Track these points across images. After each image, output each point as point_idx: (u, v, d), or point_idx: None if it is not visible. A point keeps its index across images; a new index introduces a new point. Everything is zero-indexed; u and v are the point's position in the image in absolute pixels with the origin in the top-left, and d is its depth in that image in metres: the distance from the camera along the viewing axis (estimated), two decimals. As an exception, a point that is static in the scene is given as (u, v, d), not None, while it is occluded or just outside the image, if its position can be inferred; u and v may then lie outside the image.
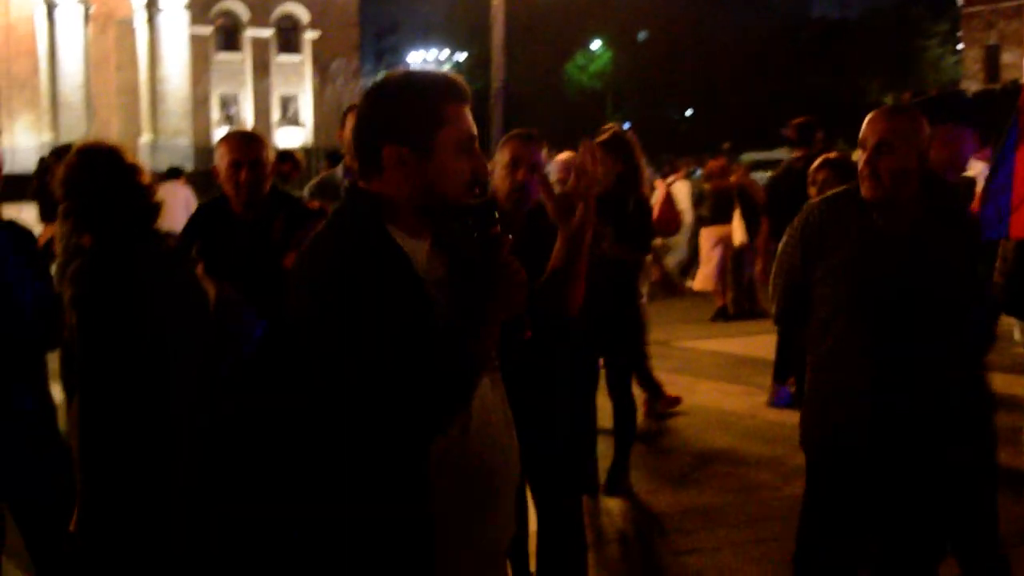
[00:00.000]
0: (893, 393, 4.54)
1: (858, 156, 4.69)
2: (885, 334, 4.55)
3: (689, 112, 65.87)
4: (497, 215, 2.89)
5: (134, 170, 4.37)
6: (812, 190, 7.01)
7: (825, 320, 4.67)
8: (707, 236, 16.37)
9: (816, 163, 7.27)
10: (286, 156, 12.66)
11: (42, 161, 11.84)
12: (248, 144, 5.48)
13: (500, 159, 5.62)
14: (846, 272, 4.62)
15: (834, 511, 4.75)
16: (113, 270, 4.22)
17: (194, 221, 5.63)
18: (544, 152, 5.62)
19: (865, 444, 4.61)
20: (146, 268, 4.28)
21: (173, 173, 17.89)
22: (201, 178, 21.03)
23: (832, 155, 7.49)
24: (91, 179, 4.27)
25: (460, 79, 3.05)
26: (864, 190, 4.60)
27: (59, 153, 10.69)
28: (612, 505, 7.60)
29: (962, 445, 4.63)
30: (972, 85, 66.34)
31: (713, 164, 16.94)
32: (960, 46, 72.96)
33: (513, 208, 5.55)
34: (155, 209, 4.40)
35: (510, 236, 2.89)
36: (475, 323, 2.87)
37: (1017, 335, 7.36)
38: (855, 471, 4.67)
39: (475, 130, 2.98)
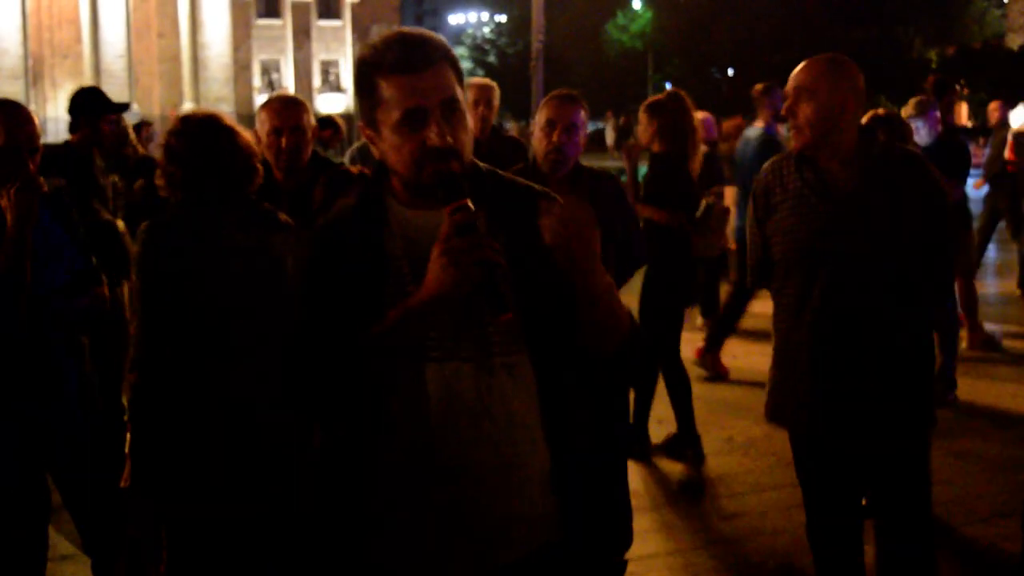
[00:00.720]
0: (831, 350, 4.43)
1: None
2: (822, 292, 4.42)
3: (731, 72, 65.39)
4: (464, 188, 2.65)
5: (230, 134, 4.35)
6: None
7: (777, 280, 4.60)
8: (728, 195, 16.27)
9: (865, 119, 7.08)
10: (327, 122, 12.63)
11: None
12: (288, 110, 5.47)
13: (538, 120, 5.60)
14: (783, 231, 4.52)
15: (819, 472, 4.69)
16: (178, 233, 4.24)
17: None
18: (583, 113, 5.57)
19: (815, 412, 4.53)
20: (219, 233, 4.26)
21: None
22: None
23: (881, 111, 7.36)
24: (186, 145, 4.31)
25: (412, 37, 2.77)
26: (792, 142, 4.52)
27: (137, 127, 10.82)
28: (664, 469, 7.59)
29: (898, 409, 4.49)
30: (1017, 39, 65.57)
31: (728, 125, 16.72)
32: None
33: (550, 170, 5.52)
34: (247, 173, 4.38)
35: (473, 212, 2.62)
36: (401, 305, 2.69)
37: None
38: (819, 437, 4.61)
39: (423, 101, 2.69)
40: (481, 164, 2.91)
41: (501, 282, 2.60)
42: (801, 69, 4.47)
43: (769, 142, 9.82)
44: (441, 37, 2.80)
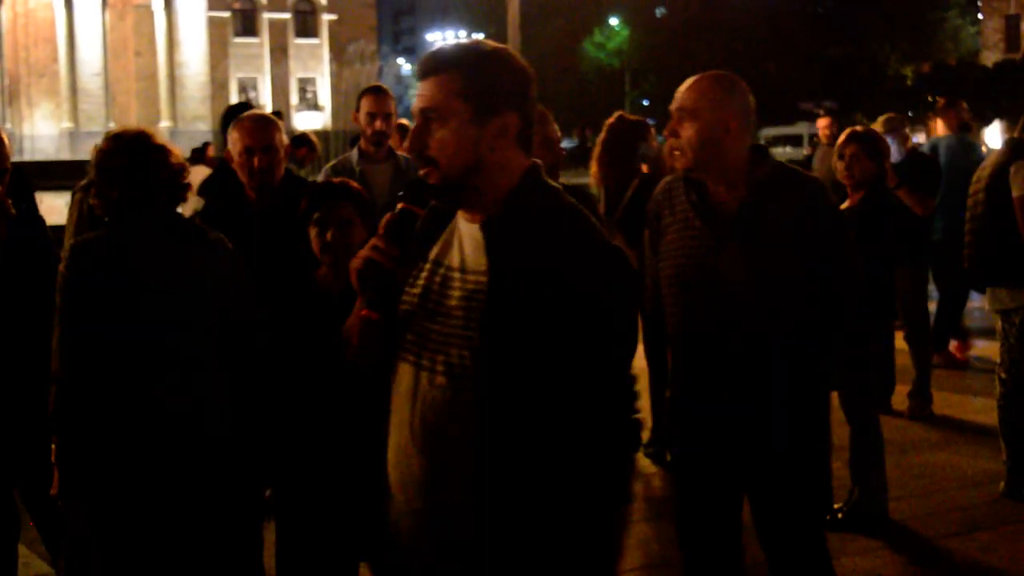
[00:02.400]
0: (707, 379, 4.32)
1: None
2: (701, 320, 4.29)
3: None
4: (413, 196, 2.85)
5: (159, 151, 4.36)
6: (839, 164, 6.92)
7: (666, 305, 4.46)
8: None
9: (843, 136, 7.11)
10: (302, 140, 12.60)
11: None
12: (260, 129, 5.45)
13: None
14: (669, 254, 4.39)
15: (694, 483, 4.50)
16: (104, 251, 4.27)
17: (209, 208, 5.62)
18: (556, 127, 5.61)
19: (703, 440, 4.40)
20: (146, 250, 4.30)
21: (198, 154, 17.93)
22: (224, 162, 21.06)
23: (859, 127, 7.37)
24: (114, 162, 4.32)
25: (431, 52, 2.90)
26: (678, 162, 4.35)
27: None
28: (641, 483, 7.57)
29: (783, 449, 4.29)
30: (991, 56, 65.99)
31: None
32: (980, 16, 72.47)
33: None
34: (176, 189, 4.40)
35: (401, 217, 2.83)
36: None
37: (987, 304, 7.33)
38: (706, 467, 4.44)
39: (414, 107, 2.85)
40: (542, 187, 2.90)
41: (376, 283, 2.82)
42: (685, 88, 4.30)
43: (967, 146, 10.57)
44: (471, 48, 2.89)
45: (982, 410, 8.72)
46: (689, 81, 4.32)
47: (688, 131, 4.22)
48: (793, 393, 4.27)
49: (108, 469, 4.26)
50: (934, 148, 11.11)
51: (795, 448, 4.31)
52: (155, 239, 4.32)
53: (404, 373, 2.90)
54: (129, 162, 4.29)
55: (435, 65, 2.83)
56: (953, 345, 11.14)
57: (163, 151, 4.36)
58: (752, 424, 4.27)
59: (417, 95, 2.85)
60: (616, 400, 2.81)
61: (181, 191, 4.42)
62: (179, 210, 4.53)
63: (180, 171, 4.40)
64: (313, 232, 4.53)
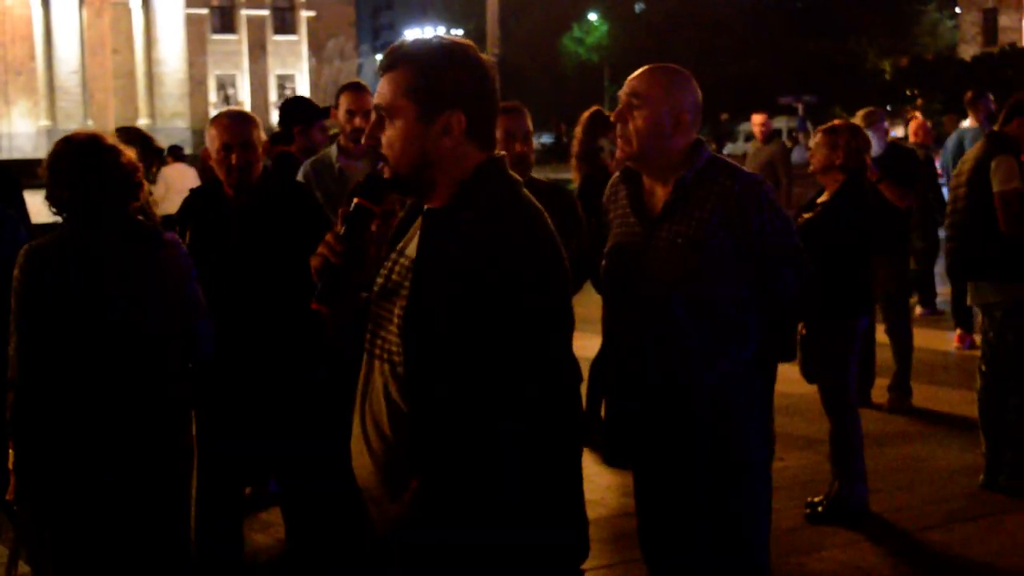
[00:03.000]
0: (630, 382, 4.27)
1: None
2: (625, 316, 4.23)
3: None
4: (368, 191, 2.91)
5: (110, 152, 4.41)
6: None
7: (606, 302, 4.40)
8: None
9: (823, 128, 7.13)
10: (280, 137, 12.53)
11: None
12: (238, 126, 5.42)
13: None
14: (608, 251, 4.30)
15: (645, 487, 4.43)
16: (58, 254, 4.31)
17: (187, 206, 5.59)
18: (528, 123, 5.63)
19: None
20: (97, 252, 4.35)
21: (174, 152, 17.90)
22: (202, 160, 21.06)
23: (839, 120, 7.39)
24: (63, 164, 4.38)
25: (391, 48, 2.99)
26: (617, 152, 4.24)
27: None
28: (621, 477, 7.55)
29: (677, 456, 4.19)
30: (969, 49, 66.18)
31: None
32: (957, 10, 72.69)
33: None
34: (129, 189, 4.44)
35: (355, 212, 2.90)
36: None
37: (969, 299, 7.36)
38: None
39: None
40: (507, 182, 2.95)
41: (328, 277, 2.89)
42: (639, 76, 4.19)
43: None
44: (424, 45, 2.94)
45: (961, 403, 8.75)
46: (643, 69, 4.22)
47: (638, 120, 4.12)
48: (712, 399, 4.14)
49: (64, 476, 4.32)
50: (960, 139, 11.20)
51: (714, 453, 4.18)
52: (106, 241, 4.36)
53: (364, 362, 3.01)
54: (79, 164, 4.34)
55: (390, 61, 2.92)
56: (956, 334, 11.31)
57: (113, 152, 4.41)
58: (672, 425, 4.18)
59: (377, 90, 2.94)
60: (532, 391, 2.82)
61: (133, 191, 4.45)
62: (142, 210, 4.60)
63: (132, 172, 4.43)
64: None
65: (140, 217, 4.53)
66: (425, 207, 2.96)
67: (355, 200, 2.90)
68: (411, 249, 2.94)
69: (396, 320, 2.88)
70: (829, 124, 7.04)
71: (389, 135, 2.89)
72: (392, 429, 2.89)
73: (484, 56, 2.95)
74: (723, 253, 4.02)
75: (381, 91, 2.90)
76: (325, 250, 2.89)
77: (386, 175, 2.91)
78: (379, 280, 3.00)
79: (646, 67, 4.23)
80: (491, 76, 2.95)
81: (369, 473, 2.95)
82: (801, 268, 4.22)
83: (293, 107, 7.80)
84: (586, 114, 8.28)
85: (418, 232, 2.94)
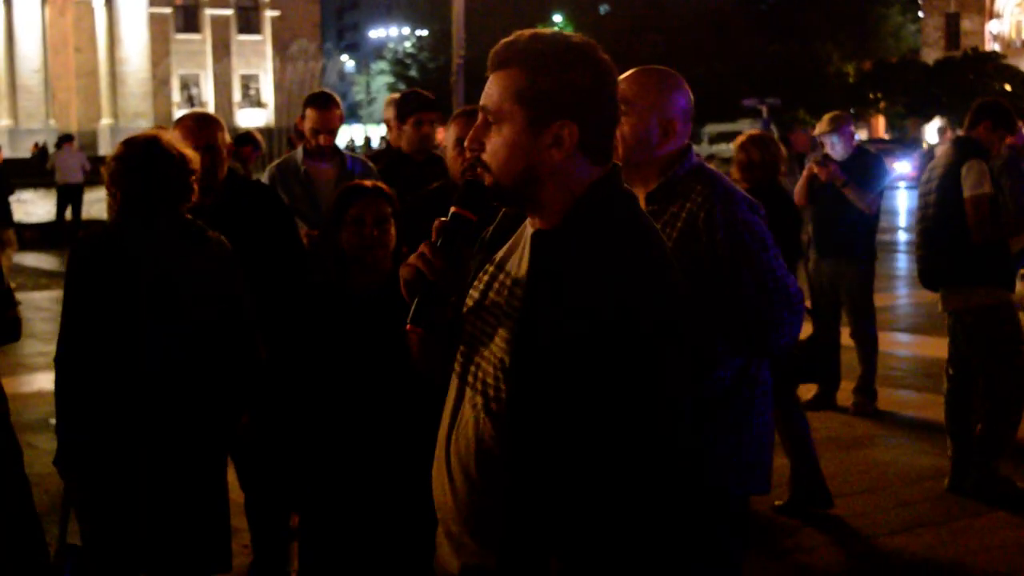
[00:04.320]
0: None
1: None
2: None
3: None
4: (471, 200, 2.62)
5: (165, 157, 4.57)
6: (734, 171, 7.03)
7: None
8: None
9: (739, 140, 7.24)
10: (246, 138, 12.48)
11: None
12: (202, 128, 5.39)
13: (448, 138, 5.34)
14: None
15: None
16: (103, 245, 4.57)
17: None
18: None
19: None
20: (150, 248, 4.55)
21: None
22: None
23: (754, 131, 7.48)
24: (119, 167, 4.57)
25: (506, 41, 2.61)
26: None
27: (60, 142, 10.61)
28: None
29: None
30: (932, 53, 66.63)
31: None
32: (920, 14, 73.19)
33: None
34: (183, 192, 4.61)
35: (455, 223, 2.61)
36: None
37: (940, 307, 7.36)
38: None
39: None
40: (623, 201, 2.62)
41: (422, 296, 2.59)
42: (625, 79, 3.85)
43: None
44: (540, 42, 2.58)
45: (927, 406, 8.79)
46: (631, 73, 3.93)
47: (624, 126, 3.80)
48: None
49: (105, 456, 4.52)
50: None
51: None
52: (157, 237, 4.55)
53: (453, 386, 2.71)
54: (132, 166, 4.54)
55: (503, 58, 2.60)
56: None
57: (167, 155, 4.57)
58: None
59: (485, 89, 2.62)
60: (660, 451, 2.47)
61: (185, 192, 4.61)
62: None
63: (186, 173, 4.60)
64: (349, 231, 4.42)
65: (189, 217, 4.69)
66: (534, 227, 2.63)
67: (453, 209, 2.61)
68: (513, 266, 2.63)
69: (499, 346, 2.56)
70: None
71: (494, 142, 2.56)
72: (479, 471, 2.58)
73: (606, 57, 2.59)
74: (693, 265, 3.70)
75: (489, 91, 2.58)
76: (420, 263, 2.58)
77: (487, 183, 2.59)
78: (473, 294, 2.70)
79: (634, 70, 3.97)
80: (613, 81, 2.61)
81: (448, 510, 2.67)
82: (775, 295, 3.87)
83: (409, 101, 7.52)
84: None
85: (525, 252, 2.62)
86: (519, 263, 2.62)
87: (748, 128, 56.17)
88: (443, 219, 2.61)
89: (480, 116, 2.60)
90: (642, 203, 3.67)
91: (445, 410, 2.71)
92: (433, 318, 2.63)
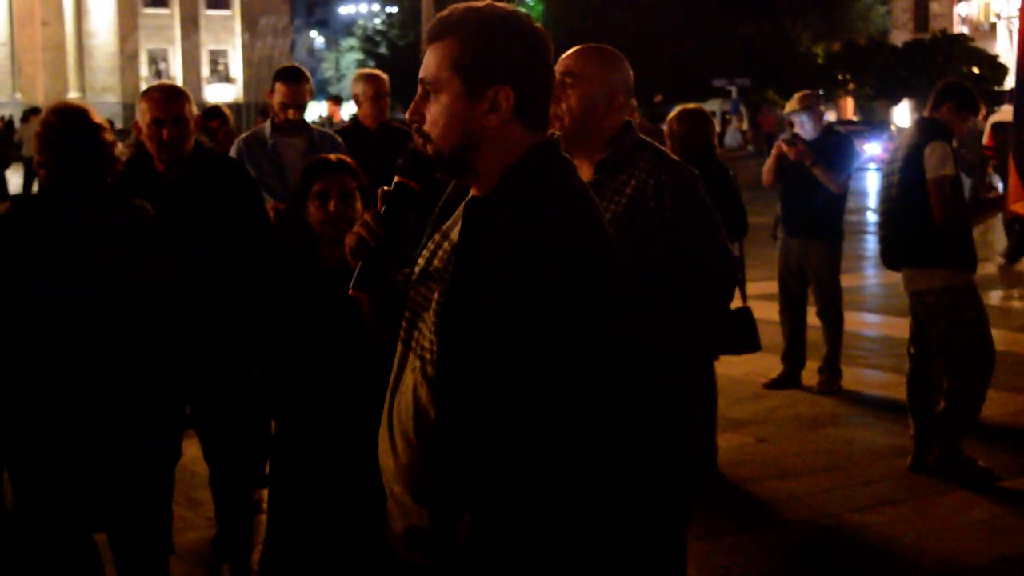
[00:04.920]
0: None
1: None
2: None
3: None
4: (410, 169, 2.69)
5: (99, 129, 4.67)
6: (668, 143, 7.07)
7: None
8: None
9: (673, 113, 7.34)
10: (214, 112, 12.40)
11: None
12: (170, 101, 5.36)
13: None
14: None
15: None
16: (32, 212, 4.65)
17: (117, 179, 5.52)
18: None
19: None
20: (81, 212, 4.56)
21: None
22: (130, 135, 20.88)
23: (692, 105, 7.53)
24: (61, 136, 4.60)
25: (442, 14, 2.68)
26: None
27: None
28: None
29: None
30: (901, 35, 66.80)
31: None
32: (890, -4, 73.36)
33: None
34: (111, 162, 4.71)
35: (398, 191, 2.69)
36: None
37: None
38: None
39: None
40: (557, 165, 2.70)
41: (366, 263, 2.67)
42: (573, 55, 4.10)
43: None
44: (473, 11, 2.66)
45: (890, 385, 8.84)
46: (576, 49, 4.14)
47: (571, 98, 4.02)
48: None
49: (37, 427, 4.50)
50: None
51: None
52: (85, 204, 4.56)
53: (397, 352, 2.78)
54: (72, 134, 4.58)
55: (438, 30, 2.67)
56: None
57: (101, 128, 4.66)
58: None
59: (423, 62, 2.68)
60: (584, 413, 2.54)
61: (113, 163, 4.71)
62: None
63: (113, 146, 4.69)
64: (313, 206, 4.44)
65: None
66: (478, 193, 2.70)
67: (396, 178, 2.69)
68: (455, 234, 2.69)
69: (433, 311, 2.64)
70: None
71: (433, 111, 2.63)
72: (417, 433, 2.66)
73: (538, 26, 2.71)
74: (633, 239, 3.90)
75: (427, 63, 2.65)
76: (363, 231, 2.66)
77: (428, 152, 2.65)
78: (420, 262, 2.78)
79: (579, 47, 4.16)
80: (546, 48, 2.70)
81: (391, 472, 2.75)
82: (722, 262, 4.14)
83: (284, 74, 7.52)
84: None
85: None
86: (457, 230, 2.69)
87: (719, 107, 56.14)
88: (386, 188, 2.69)
89: (420, 88, 2.67)
90: (589, 173, 3.97)
91: (391, 375, 2.78)
92: (376, 284, 2.71)
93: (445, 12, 2.68)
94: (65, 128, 4.59)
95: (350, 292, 2.67)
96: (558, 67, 4.07)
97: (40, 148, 4.62)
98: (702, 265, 4.05)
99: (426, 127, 2.65)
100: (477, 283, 2.52)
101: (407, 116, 2.70)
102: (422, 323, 2.70)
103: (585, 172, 4.07)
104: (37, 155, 4.67)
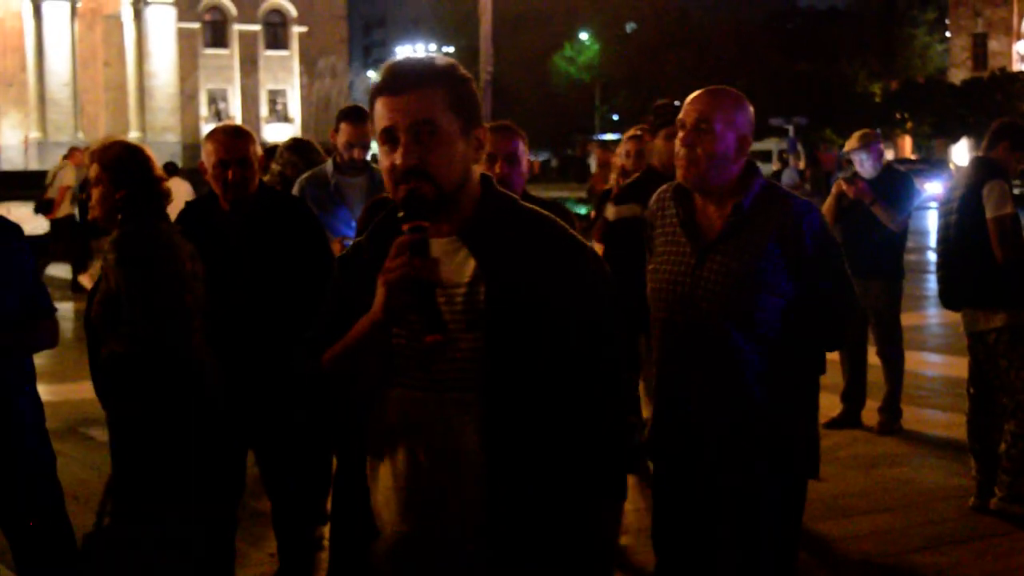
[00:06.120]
0: (674, 403, 4.26)
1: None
2: (679, 335, 4.20)
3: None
4: (423, 210, 2.71)
5: (152, 163, 4.95)
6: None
7: (651, 322, 4.36)
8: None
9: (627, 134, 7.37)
10: (274, 152, 12.55)
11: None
12: (234, 142, 5.43)
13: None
14: (652, 269, 4.33)
15: (669, 511, 4.43)
16: (150, 239, 4.83)
17: (184, 219, 5.60)
18: (522, 143, 5.51)
19: (673, 451, 4.32)
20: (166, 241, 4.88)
21: (170, 169, 18.00)
22: (195, 175, 21.04)
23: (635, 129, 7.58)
24: (133, 171, 4.87)
25: (403, 63, 2.84)
26: (679, 175, 4.21)
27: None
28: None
29: (735, 469, 4.18)
30: (959, 73, 66.43)
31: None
32: (948, 34, 73.00)
33: None
34: (168, 195, 4.96)
35: (422, 233, 2.67)
36: (353, 328, 2.81)
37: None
38: (677, 478, 4.35)
39: (392, 121, 2.75)
40: (503, 192, 2.94)
41: (436, 305, 2.66)
42: (703, 100, 4.20)
43: None
44: (448, 63, 2.85)
45: (951, 425, 8.77)
46: (705, 92, 4.24)
47: (707, 144, 4.11)
48: (769, 413, 4.17)
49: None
50: None
51: (772, 462, 4.21)
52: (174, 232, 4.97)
53: (402, 399, 2.84)
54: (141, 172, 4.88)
55: (418, 79, 2.78)
56: None
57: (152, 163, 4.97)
58: (726, 444, 4.19)
59: (399, 109, 2.76)
60: (613, 400, 2.88)
61: (168, 197, 4.97)
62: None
63: (164, 180, 5.00)
64: None
65: None
66: (447, 228, 2.81)
67: (415, 223, 2.67)
68: (456, 275, 2.79)
69: (464, 348, 2.76)
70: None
71: (439, 153, 2.75)
72: (460, 464, 2.80)
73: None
74: (777, 279, 4.07)
75: (420, 108, 2.75)
76: (414, 271, 2.63)
77: (428, 194, 2.73)
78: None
79: (707, 90, 4.25)
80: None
81: (419, 509, 2.86)
82: (850, 295, 4.27)
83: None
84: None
85: (460, 255, 2.80)
86: (459, 268, 2.80)
87: (775, 147, 55.96)
88: (407, 234, 2.68)
89: (410, 133, 2.75)
90: (717, 213, 4.16)
91: (398, 425, 2.86)
92: (444, 322, 2.70)
93: (407, 64, 2.84)
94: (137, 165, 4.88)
95: (429, 339, 2.65)
96: (691, 113, 4.17)
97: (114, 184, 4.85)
98: (832, 301, 4.20)
99: (431, 168, 2.75)
100: (511, 303, 2.75)
101: (405, 160, 2.74)
102: (448, 365, 2.78)
103: (711, 211, 4.20)
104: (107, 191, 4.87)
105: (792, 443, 4.22)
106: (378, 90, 2.81)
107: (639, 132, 8.32)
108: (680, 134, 4.20)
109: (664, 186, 4.44)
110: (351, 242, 5.32)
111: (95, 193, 4.91)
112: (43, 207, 19.66)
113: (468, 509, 2.79)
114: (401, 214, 2.73)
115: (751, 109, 4.24)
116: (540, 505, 2.81)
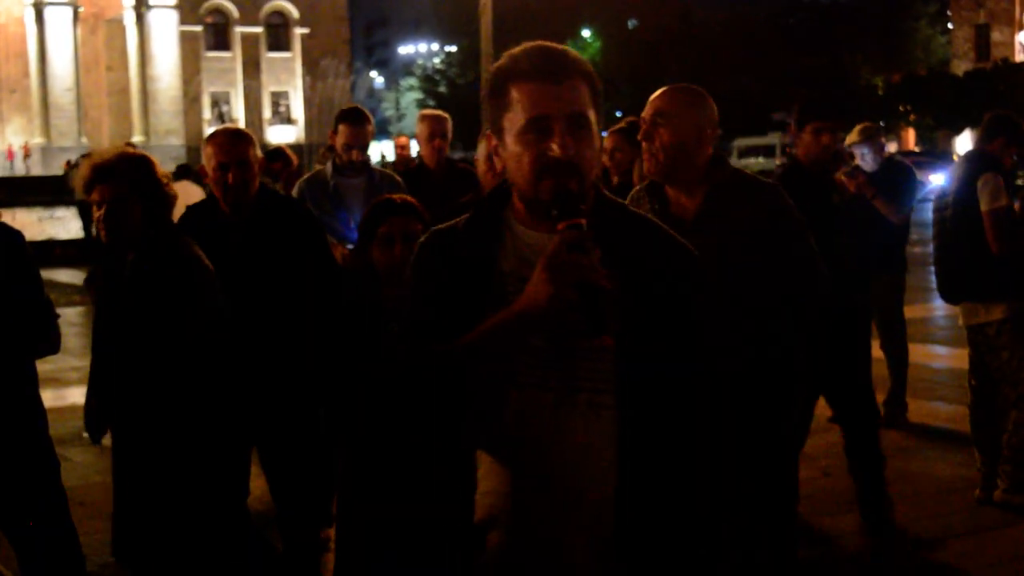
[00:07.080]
0: None
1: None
2: None
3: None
4: (579, 207, 2.55)
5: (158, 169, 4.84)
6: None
7: None
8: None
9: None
10: (277, 154, 12.54)
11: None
12: (234, 144, 5.44)
13: (480, 153, 5.55)
14: None
15: None
16: (171, 251, 4.72)
17: (185, 222, 5.61)
18: None
19: None
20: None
21: (183, 172, 17.98)
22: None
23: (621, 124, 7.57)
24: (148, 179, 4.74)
25: (552, 49, 2.67)
26: (644, 168, 4.49)
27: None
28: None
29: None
30: (962, 65, 66.35)
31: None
32: (950, 25, 72.90)
33: None
34: (174, 200, 4.84)
35: (584, 232, 2.52)
36: (493, 318, 2.61)
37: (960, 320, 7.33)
38: None
39: (549, 111, 2.59)
40: (608, 195, 2.79)
41: (603, 305, 2.47)
42: (661, 95, 4.48)
43: None
44: (582, 58, 2.70)
45: (956, 417, 8.75)
46: (664, 90, 4.50)
47: (664, 136, 4.37)
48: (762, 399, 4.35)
49: None
50: None
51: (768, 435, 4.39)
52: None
53: (528, 400, 2.66)
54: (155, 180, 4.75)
55: (571, 69, 2.66)
56: None
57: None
58: None
59: (558, 97, 2.62)
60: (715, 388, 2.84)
61: (174, 201, 4.84)
62: None
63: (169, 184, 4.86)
64: (378, 250, 4.50)
65: None
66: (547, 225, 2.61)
67: (573, 220, 2.52)
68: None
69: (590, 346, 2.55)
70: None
71: (591, 147, 2.64)
72: (593, 468, 2.65)
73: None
74: (754, 258, 4.28)
75: (573, 98, 2.63)
76: (593, 276, 2.47)
77: (575, 187, 2.59)
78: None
79: (666, 88, 4.51)
80: None
81: (558, 506, 2.66)
82: (819, 269, 4.52)
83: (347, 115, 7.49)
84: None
85: (533, 253, 2.63)
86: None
87: (778, 141, 55.91)
88: (571, 232, 2.53)
89: (568, 123, 2.61)
90: (689, 202, 4.40)
91: (524, 426, 2.68)
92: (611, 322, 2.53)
93: (557, 51, 2.68)
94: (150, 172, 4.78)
95: (603, 341, 2.49)
96: (648, 108, 4.42)
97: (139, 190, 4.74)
98: (802, 275, 4.48)
99: (583, 164, 2.61)
100: (635, 297, 2.63)
101: (562, 153, 2.60)
102: (569, 361, 2.64)
103: (684, 201, 4.43)
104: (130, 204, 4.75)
105: (779, 416, 4.45)
106: (525, 74, 2.64)
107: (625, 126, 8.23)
108: (642, 128, 4.43)
109: (637, 186, 4.68)
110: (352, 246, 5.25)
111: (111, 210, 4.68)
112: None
113: (594, 519, 2.65)
114: (555, 212, 2.56)
115: (711, 104, 4.47)
116: (672, 519, 2.68)
